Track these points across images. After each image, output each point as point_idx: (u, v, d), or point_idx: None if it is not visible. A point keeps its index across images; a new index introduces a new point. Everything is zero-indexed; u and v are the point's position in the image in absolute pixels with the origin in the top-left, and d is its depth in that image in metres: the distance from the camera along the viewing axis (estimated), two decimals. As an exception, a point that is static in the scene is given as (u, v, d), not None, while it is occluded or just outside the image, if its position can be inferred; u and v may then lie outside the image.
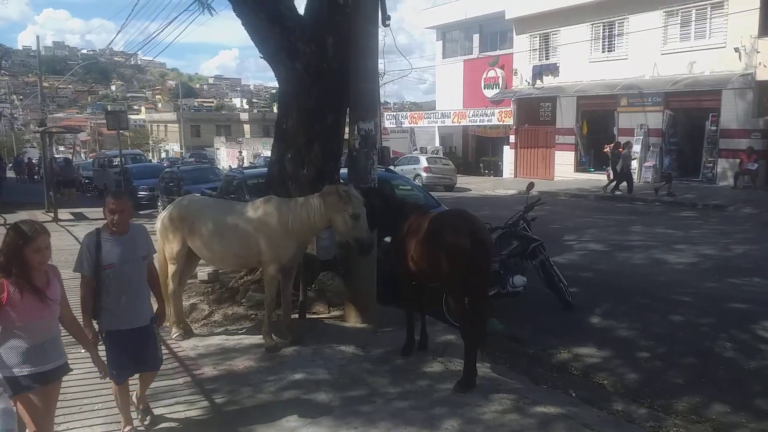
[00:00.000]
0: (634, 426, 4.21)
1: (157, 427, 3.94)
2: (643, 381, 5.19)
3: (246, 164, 37.13)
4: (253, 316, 6.33)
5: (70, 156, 46.91)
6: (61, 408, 4.15)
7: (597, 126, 26.31)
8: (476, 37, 32.11)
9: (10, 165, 42.81)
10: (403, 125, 36.24)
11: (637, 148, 23.01)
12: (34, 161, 40.35)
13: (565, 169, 26.62)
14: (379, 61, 6.89)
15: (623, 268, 9.27)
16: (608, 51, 25.14)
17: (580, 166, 26.60)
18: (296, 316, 6.16)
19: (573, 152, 26.57)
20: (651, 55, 22.91)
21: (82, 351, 4.76)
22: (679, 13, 22.24)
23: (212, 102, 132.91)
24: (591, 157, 26.49)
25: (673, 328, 6.47)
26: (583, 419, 4.05)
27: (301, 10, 7.05)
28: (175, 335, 5.68)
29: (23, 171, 39.42)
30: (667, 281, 8.37)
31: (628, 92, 23.39)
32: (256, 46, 7.07)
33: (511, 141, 29.25)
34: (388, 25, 6.64)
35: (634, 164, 23.24)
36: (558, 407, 4.25)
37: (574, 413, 4.18)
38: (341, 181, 7.01)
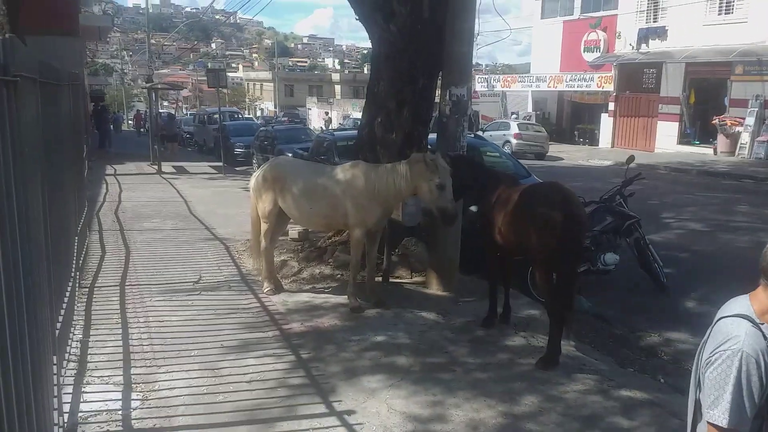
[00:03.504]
0: (726, 419, 4.00)
1: (245, 380, 4.14)
2: (740, 372, 4.89)
3: (335, 125, 37.68)
4: (338, 276, 6.50)
5: (173, 111, 49.36)
6: (161, 352, 4.49)
7: (706, 95, 24.49)
8: (578, -3, 30.48)
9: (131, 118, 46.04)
10: (495, 89, 35.27)
11: (750, 120, 21.29)
12: (141, 112, 42.93)
13: (667, 140, 25.07)
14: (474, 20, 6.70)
15: (725, 251, 8.69)
16: (725, 13, 23.13)
17: (683, 138, 24.96)
18: (380, 279, 6.27)
19: (677, 123, 24.92)
20: (775, 18, 20.88)
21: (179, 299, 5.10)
22: (813, -28, 20.05)
23: (306, 62, 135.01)
24: (697, 128, 24.77)
25: (778, 319, 6.03)
26: (671, 407, 3.89)
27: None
28: (266, 290, 5.94)
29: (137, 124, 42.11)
30: (775, 267, 7.77)
31: (744, 59, 21.50)
32: (352, 6, 7.05)
33: (609, 108, 27.82)
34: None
35: (746, 138, 21.57)
36: (644, 393, 4.10)
37: (661, 400, 4.02)
38: (429, 146, 6.97)
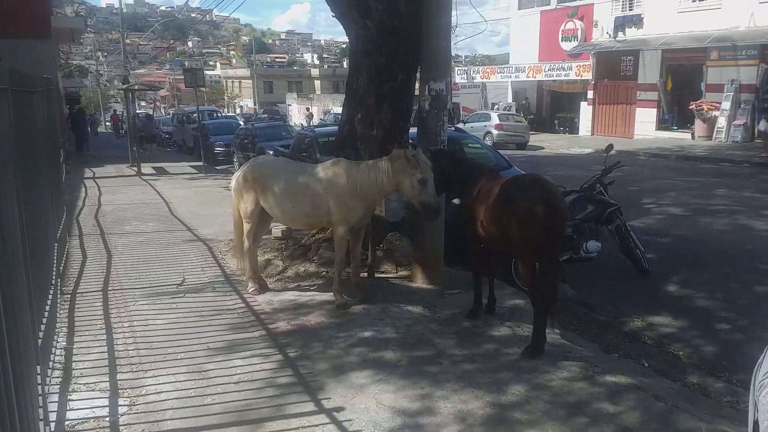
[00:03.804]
0: (709, 400, 4.08)
1: (233, 382, 4.14)
2: (722, 354, 5.00)
3: (316, 121, 37.56)
4: (324, 273, 6.49)
5: (150, 111, 48.85)
6: (147, 356, 4.46)
7: (682, 81, 24.82)
8: (555, -14, 30.65)
9: (108, 120, 45.52)
10: (475, 80, 35.38)
11: (726, 105, 21.59)
12: (118, 113, 42.41)
13: (646, 126, 25.38)
14: (452, 14, 6.71)
15: (705, 234, 8.83)
16: (699, 0, 23.41)
17: (662, 124, 25.30)
18: (365, 275, 6.27)
19: (655, 109, 25.26)
20: (748, 3, 21.16)
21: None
22: (783, -44, 20.34)
23: (284, 58, 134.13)
24: (674, 114, 25.12)
25: (758, 300, 6.15)
26: (655, 391, 3.96)
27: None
28: (251, 290, 5.92)
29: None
30: (754, 249, 7.92)
31: (719, 45, 21.81)
32: (328, 3, 7.01)
33: (588, 97, 28.10)
34: (463, -21, 6.42)
35: (722, 122, 21.88)
36: (629, 377, 4.16)
37: (646, 384, 4.09)
38: (410, 141, 6.98)
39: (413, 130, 6.93)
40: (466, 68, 39.06)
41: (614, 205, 6.82)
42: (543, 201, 4.37)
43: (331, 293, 5.61)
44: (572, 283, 6.32)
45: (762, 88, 21.20)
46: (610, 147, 7.54)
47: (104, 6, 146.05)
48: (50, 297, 4.88)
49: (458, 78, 35.61)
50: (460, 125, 23.98)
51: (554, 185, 4.70)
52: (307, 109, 44.21)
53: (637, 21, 25.88)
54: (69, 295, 5.95)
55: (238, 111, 59.76)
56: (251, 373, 4.20)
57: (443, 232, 6.23)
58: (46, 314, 4.41)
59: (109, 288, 6.18)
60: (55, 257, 6.02)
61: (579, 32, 28.67)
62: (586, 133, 28.12)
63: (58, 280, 5.92)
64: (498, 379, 4.10)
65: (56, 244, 6.39)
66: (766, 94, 21.29)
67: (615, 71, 27.20)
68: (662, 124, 25.31)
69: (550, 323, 4.70)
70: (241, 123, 27.09)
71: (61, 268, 6.45)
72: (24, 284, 3.48)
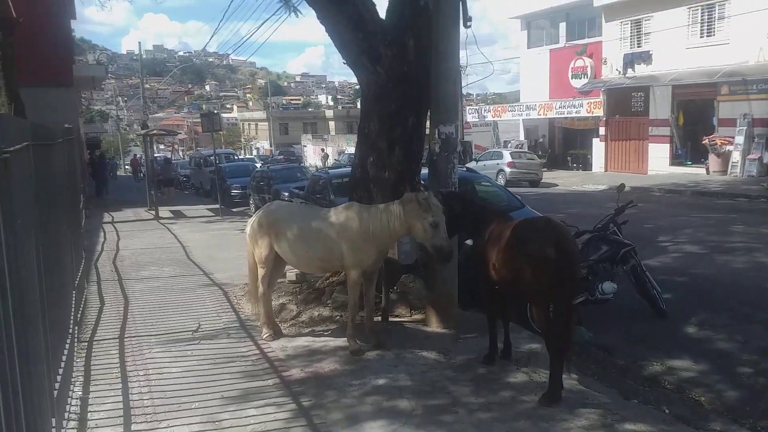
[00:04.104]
0: (733, 449, 3.97)
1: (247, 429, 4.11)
2: (745, 399, 4.88)
3: (331, 161, 38.01)
4: (337, 317, 6.48)
5: (168, 154, 49.73)
6: (162, 406, 4.46)
7: (694, 116, 24.83)
8: (563, 26, 31.12)
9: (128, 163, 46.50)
10: (486, 119, 35.69)
11: (739, 139, 21.52)
12: (138, 157, 43.25)
13: (659, 162, 25.31)
14: (461, 52, 6.86)
15: (723, 273, 8.71)
16: (707, 36, 23.64)
17: (675, 159, 25.21)
18: (379, 318, 6.26)
19: (668, 144, 25.21)
20: (756, 38, 21.28)
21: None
22: (790, -8, 20.52)
23: (299, 99, 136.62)
24: (688, 149, 25.04)
25: (780, 342, 6.03)
26: (676, 440, 3.86)
27: (382, 14, 7.11)
28: (265, 336, 5.92)
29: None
30: (774, 288, 7.79)
31: (729, 80, 21.88)
32: (339, 51, 7.19)
33: (600, 133, 28.14)
34: (470, 26, 6.57)
35: (737, 156, 21.78)
36: (649, 425, 4.07)
37: (666, 432, 3.99)
38: (422, 182, 7.04)
39: (426, 170, 7.00)
40: (477, 107, 39.47)
41: (629, 245, 6.78)
42: (554, 243, 4.36)
43: (345, 339, 5.59)
44: (589, 325, 6.24)
45: (776, 121, 21.17)
46: (622, 187, 7.54)
47: (125, 53, 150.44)
48: (67, 345, 4.93)
49: (470, 117, 35.95)
50: (473, 163, 24.13)
51: (565, 227, 4.70)
52: (323, 149, 44.80)
53: (646, 58, 26.10)
54: (86, 343, 5.99)
55: (254, 153, 60.70)
56: (265, 423, 4.17)
57: (456, 274, 6.22)
58: (63, 363, 4.45)
59: (126, 335, 6.21)
60: (73, 304, 6.09)
61: (588, 69, 28.95)
62: (600, 170, 28.09)
63: (76, 327, 5.98)
64: (515, 429, 4.03)
65: (74, 292, 6.48)
66: (780, 127, 21.25)
67: (626, 107, 27.32)
68: (676, 159, 25.24)
69: (566, 368, 4.63)
70: (257, 166, 27.46)
71: (79, 315, 6.52)
72: (41, 334, 3.53)
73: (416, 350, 5.49)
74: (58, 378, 4.09)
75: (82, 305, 6.94)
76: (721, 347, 6.02)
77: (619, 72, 27.07)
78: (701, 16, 23.75)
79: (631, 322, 6.78)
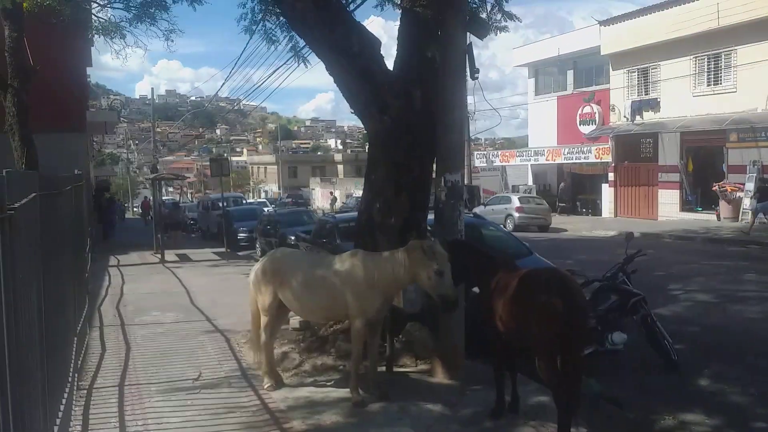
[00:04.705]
0: None
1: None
2: (762, 458, 4.68)
3: (339, 205, 38.23)
4: (341, 366, 6.37)
5: (177, 197, 50.21)
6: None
7: (704, 162, 24.85)
8: (570, 73, 31.54)
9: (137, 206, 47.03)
10: (494, 163, 35.88)
11: (749, 186, 21.45)
12: (148, 199, 43.65)
13: (669, 208, 25.20)
14: (469, 98, 6.96)
15: (735, 323, 8.52)
16: (714, 84, 23.85)
17: (686, 206, 25.10)
18: (383, 369, 6.13)
19: (678, 190, 25.14)
20: (763, 86, 21.45)
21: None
22: (795, 42, 20.79)
23: (309, 144, 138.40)
24: (698, 195, 24.96)
25: (797, 396, 5.83)
26: (691, 503, 3.70)
27: (390, 64, 7.24)
28: (267, 386, 5.80)
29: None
30: (789, 339, 7.60)
31: (737, 127, 21.97)
32: (347, 101, 7.30)
33: (610, 179, 28.15)
34: (477, 78, 6.66)
35: (747, 203, 21.66)
36: (662, 486, 3.91)
37: (680, 495, 3.82)
38: (428, 228, 7.01)
39: (432, 216, 6.98)
40: (485, 152, 39.74)
41: (639, 295, 6.66)
42: (560, 296, 4.29)
43: (348, 389, 5.47)
44: (599, 377, 6.08)
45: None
46: (631, 235, 7.47)
47: (138, 97, 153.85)
48: (66, 393, 4.85)
49: (477, 162, 36.18)
50: (481, 207, 24.14)
51: (572, 279, 4.63)
52: (331, 192, 45.13)
53: (653, 105, 26.31)
54: (86, 390, 5.90)
55: (263, 195, 61.17)
56: (263, 478, 4.04)
57: (463, 324, 6.12)
58: (60, 412, 4.36)
59: (126, 383, 6.12)
60: (74, 351, 6.02)
61: (596, 116, 29.17)
62: (609, 215, 27.99)
63: (76, 374, 5.90)
64: (522, 488, 3.87)
65: (76, 338, 6.42)
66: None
67: (635, 153, 27.40)
68: (686, 205, 25.14)
69: (575, 422, 4.49)
70: (266, 210, 27.58)
71: (80, 361, 6.44)
72: (38, 384, 3.47)
73: (421, 402, 5.35)
74: (55, 428, 4.00)
75: (83, 352, 6.86)
76: (734, 400, 5.84)
77: (627, 119, 27.26)
78: (707, 66, 24.01)
79: (642, 373, 6.61)
